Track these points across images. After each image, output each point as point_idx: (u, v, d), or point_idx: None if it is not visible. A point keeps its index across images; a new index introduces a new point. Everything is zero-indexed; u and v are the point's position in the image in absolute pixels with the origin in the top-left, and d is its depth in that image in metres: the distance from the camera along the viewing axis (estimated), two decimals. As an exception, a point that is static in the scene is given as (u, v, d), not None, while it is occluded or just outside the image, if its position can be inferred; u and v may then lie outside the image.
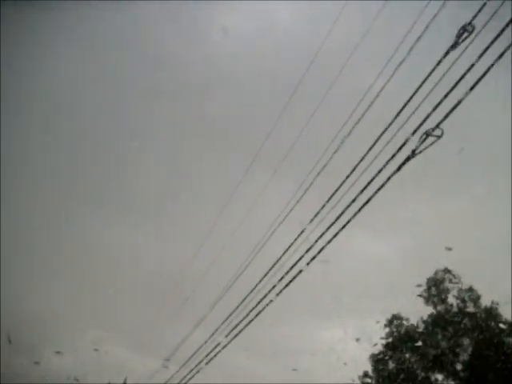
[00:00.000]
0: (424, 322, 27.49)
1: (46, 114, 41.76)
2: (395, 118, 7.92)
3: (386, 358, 27.82)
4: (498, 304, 26.49)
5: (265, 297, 12.80)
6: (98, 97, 43.84)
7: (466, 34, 7.06)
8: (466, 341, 26.63)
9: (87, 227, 47.26)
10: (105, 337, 45.71)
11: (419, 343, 26.94)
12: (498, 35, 6.65)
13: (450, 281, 27.60)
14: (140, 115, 46.65)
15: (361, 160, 8.79)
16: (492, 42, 6.72)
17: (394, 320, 27.96)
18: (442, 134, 7.59)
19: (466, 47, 7.07)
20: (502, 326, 25.69)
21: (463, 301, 27.34)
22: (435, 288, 27.64)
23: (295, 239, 10.54)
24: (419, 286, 27.61)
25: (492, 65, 6.61)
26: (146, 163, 48.40)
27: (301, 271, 10.51)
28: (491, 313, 26.38)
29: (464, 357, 26.52)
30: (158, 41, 42.41)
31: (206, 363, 18.23)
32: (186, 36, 42.30)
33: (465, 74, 6.83)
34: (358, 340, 26.57)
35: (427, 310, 27.56)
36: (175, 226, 47.93)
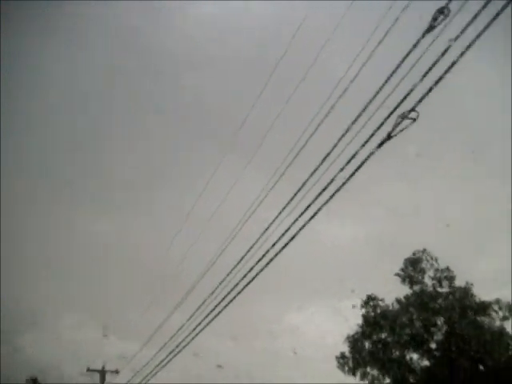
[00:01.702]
0: (399, 302, 27.82)
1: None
2: (370, 101, 7.90)
3: (362, 338, 28.13)
4: (472, 284, 26.93)
5: (241, 280, 12.84)
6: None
7: (441, 17, 7.01)
8: (440, 320, 27.05)
9: (69, 215, 46.99)
10: (83, 321, 45.67)
11: (394, 323, 27.29)
12: (474, 18, 6.62)
13: (427, 261, 27.93)
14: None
15: (337, 143, 8.77)
16: (467, 26, 6.69)
17: (370, 301, 28.25)
18: (418, 116, 7.58)
19: (442, 30, 7.03)
20: (474, 305, 26.16)
21: (439, 281, 27.71)
22: (412, 268, 27.95)
23: (271, 222, 10.54)
24: (397, 274, 27.94)
25: (467, 48, 6.59)
26: (123, 152, 47.94)
27: (276, 255, 10.53)
28: (466, 293, 26.80)
29: (438, 336, 26.96)
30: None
31: (184, 346, 18.29)
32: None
33: (440, 58, 6.81)
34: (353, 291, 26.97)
35: (404, 291, 27.92)
36: (153, 214, 47.72)
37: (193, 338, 16.71)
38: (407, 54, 7.23)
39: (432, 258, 27.82)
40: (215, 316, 14.97)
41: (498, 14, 6.31)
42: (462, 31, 6.73)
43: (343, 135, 8.43)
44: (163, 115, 45.82)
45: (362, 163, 7.97)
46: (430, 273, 27.80)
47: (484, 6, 6.45)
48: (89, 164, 47.32)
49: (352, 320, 28.13)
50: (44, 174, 45.60)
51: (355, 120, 8.23)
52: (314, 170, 9.10)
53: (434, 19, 7.10)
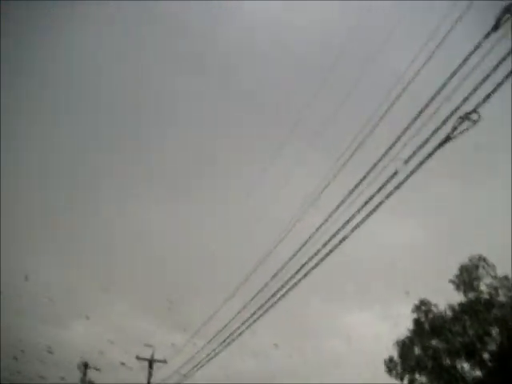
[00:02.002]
0: (453, 309, 27.18)
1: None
2: (430, 100, 7.78)
3: (412, 343, 27.67)
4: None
5: (291, 278, 12.85)
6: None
7: (507, 16, 6.83)
8: (495, 330, 26.28)
9: (102, 200, 47.98)
10: (131, 311, 46.74)
11: (446, 330, 26.71)
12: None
13: (484, 268, 27.15)
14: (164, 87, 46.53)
15: (394, 143, 8.68)
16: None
17: (422, 306, 27.73)
18: (479, 118, 7.40)
19: (507, 30, 6.85)
20: None
21: (495, 289, 26.91)
22: (467, 275, 27.24)
23: (323, 222, 10.52)
24: (452, 281, 27.30)
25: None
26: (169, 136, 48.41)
27: (331, 251, 10.50)
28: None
29: (492, 347, 26.20)
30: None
31: (230, 342, 18.49)
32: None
33: (505, 58, 6.64)
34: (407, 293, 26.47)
35: (458, 297, 27.26)
36: (201, 202, 48.11)
37: (242, 332, 16.87)
38: (470, 54, 7.09)
39: (489, 265, 27.03)
40: (264, 311, 15.08)
41: None
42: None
43: (403, 133, 8.34)
44: (217, 101, 46.03)
45: (421, 163, 7.86)
46: (487, 280, 27.04)
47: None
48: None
49: (403, 324, 27.72)
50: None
51: (416, 118, 8.12)
52: (373, 166, 9.03)
53: (499, 18, 6.93)
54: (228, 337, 18.63)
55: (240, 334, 17.65)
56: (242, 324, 16.90)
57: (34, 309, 32.12)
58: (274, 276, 13.54)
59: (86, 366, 35.54)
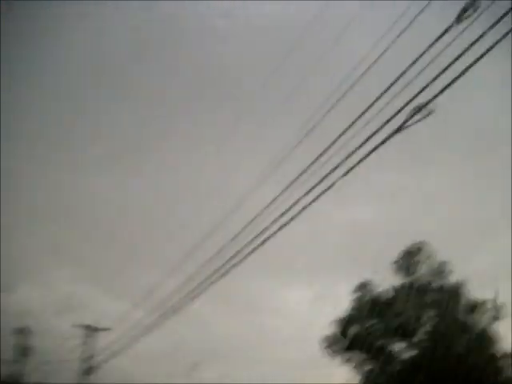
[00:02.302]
0: (393, 290, 27.91)
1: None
2: (387, 89, 7.80)
3: (351, 322, 28.29)
4: (464, 281, 26.99)
5: (237, 254, 12.87)
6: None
7: (469, 12, 6.86)
8: (431, 313, 27.17)
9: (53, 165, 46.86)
10: (75, 277, 46.07)
11: (384, 311, 27.44)
12: (504, 16, 6.48)
13: (424, 254, 27.95)
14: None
15: (347, 128, 8.71)
16: (496, 22, 6.54)
17: (364, 286, 28.35)
18: (434, 110, 7.47)
19: (469, 25, 6.88)
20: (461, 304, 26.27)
21: (433, 274, 27.77)
22: (408, 259, 27.99)
23: (274, 198, 10.55)
24: (395, 263, 27.96)
25: (492, 46, 6.46)
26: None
27: (279, 229, 10.54)
28: (457, 290, 26.89)
29: (427, 328, 27.11)
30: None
31: (174, 310, 18.51)
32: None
33: (463, 53, 6.69)
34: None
35: (399, 280, 28.01)
36: (154, 176, 47.51)
37: (186, 303, 16.88)
38: (430, 45, 7.11)
39: (429, 251, 27.84)
40: (209, 285, 15.09)
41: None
42: (491, 27, 6.57)
43: (356, 120, 8.37)
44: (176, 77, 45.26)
45: (370, 153, 7.92)
46: (426, 265, 27.86)
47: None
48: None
49: (345, 304, 28.29)
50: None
51: (369, 107, 8.16)
52: (324, 151, 9.06)
53: (462, 13, 6.95)
54: (172, 307, 18.66)
55: (183, 306, 17.70)
56: (186, 295, 16.92)
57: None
58: (221, 250, 13.55)
59: (22, 331, 34.78)
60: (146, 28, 41.72)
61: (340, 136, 8.64)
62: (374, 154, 8.21)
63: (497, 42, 6.28)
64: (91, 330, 32.11)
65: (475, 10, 6.90)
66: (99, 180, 46.80)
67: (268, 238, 11.38)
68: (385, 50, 8.34)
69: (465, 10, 6.66)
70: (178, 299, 17.32)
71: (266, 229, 11.32)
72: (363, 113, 8.21)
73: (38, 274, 43.53)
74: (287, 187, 10.11)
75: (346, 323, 28.17)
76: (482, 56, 6.45)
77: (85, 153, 45.79)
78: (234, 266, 13.26)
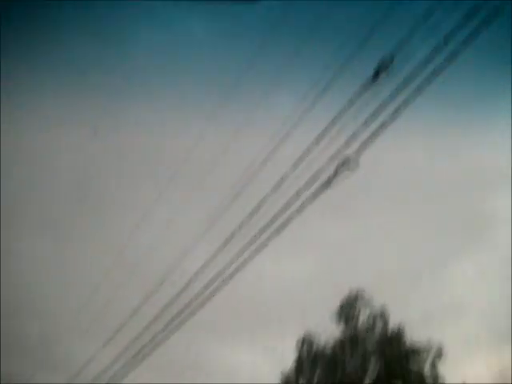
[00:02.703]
0: (334, 341, 27.86)
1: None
2: (311, 146, 7.88)
3: (297, 375, 27.96)
4: (403, 327, 27.31)
5: (178, 314, 12.59)
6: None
7: (386, 66, 7.05)
8: (373, 361, 27.22)
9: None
10: None
11: (329, 361, 27.30)
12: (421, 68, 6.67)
13: (362, 301, 28.17)
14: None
15: (277, 185, 8.69)
16: (413, 77, 6.72)
17: (306, 339, 28.17)
18: (358, 165, 7.58)
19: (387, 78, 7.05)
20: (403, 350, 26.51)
21: (373, 321, 27.96)
22: (347, 309, 28.11)
23: (203, 265, 10.37)
24: (334, 315, 28.01)
25: (412, 98, 6.63)
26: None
27: (211, 297, 10.30)
28: (398, 336, 27.13)
29: (372, 376, 27.09)
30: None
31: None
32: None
33: (382, 107, 6.83)
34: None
35: (339, 331, 27.98)
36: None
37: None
38: (351, 104, 7.25)
39: (366, 298, 28.10)
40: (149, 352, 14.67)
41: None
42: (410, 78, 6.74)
43: (284, 178, 8.38)
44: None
45: (301, 208, 7.90)
46: (365, 313, 28.05)
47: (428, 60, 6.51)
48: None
49: (290, 360, 27.91)
50: None
51: (297, 163, 8.18)
52: (253, 212, 9.01)
53: (378, 68, 7.12)
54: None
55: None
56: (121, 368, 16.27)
57: None
58: (156, 319, 13.15)
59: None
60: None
61: (268, 196, 8.62)
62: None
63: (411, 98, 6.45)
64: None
65: (391, 63, 7.09)
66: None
67: (206, 301, 11.16)
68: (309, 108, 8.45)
69: (377, 72, 6.83)
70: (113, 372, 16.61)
71: (202, 289, 11.11)
72: (291, 171, 8.23)
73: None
74: (219, 250, 9.96)
75: (292, 377, 27.79)
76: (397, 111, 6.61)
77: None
78: (173, 331, 12.95)
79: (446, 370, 26.09)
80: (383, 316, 27.79)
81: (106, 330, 19.89)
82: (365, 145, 7.26)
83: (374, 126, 7.11)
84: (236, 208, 10.95)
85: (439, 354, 26.52)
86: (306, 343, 28.01)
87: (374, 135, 7.09)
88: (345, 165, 7.52)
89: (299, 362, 27.95)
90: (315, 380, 27.55)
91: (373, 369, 27.13)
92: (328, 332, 27.80)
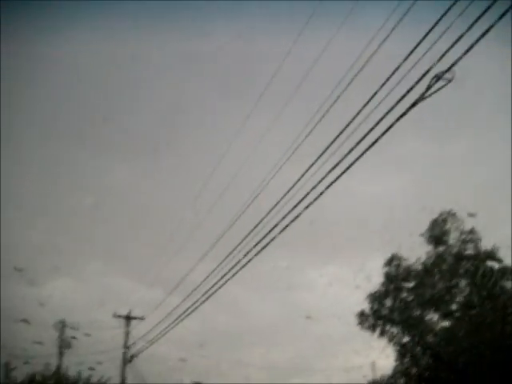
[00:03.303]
0: (423, 262, 27.87)
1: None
2: (405, 59, 7.82)
3: (384, 296, 28.36)
4: (498, 248, 26.79)
5: (266, 235, 13.01)
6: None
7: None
8: (463, 282, 27.10)
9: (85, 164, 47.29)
10: (107, 269, 46.86)
11: (416, 283, 27.43)
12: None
13: (452, 223, 27.80)
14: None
15: (368, 101, 8.74)
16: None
17: (394, 260, 28.35)
18: (453, 77, 7.48)
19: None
20: (496, 267, 26.03)
21: (463, 243, 27.64)
22: (437, 229, 27.87)
23: (299, 178, 10.63)
24: (422, 235, 27.84)
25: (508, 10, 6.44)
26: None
27: (305, 208, 10.66)
28: (490, 256, 26.71)
29: (460, 298, 27.06)
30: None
31: (208, 297, 18.76)
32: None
33: (478, 18, 6.68)
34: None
35: (429, 252, 27.92)
36: (176, 164, 47.71)
37: (219, 288, 17.10)
38: (446, 12, 7.11)
39: (457, 220, 27.69)
40: (241, 268, 15.26)
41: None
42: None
43: (376, 92, 8.41)
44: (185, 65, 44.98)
45: (395, 121, 7.97)
46: (455, 234, 27.73)
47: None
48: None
49: (376, 278, 28.31)
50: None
51: (389, 77, 8.18)
52: (346, 126, 9.12)
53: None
54: (204, 293, 18.90)
55: (215, 291, 17.91)
56: (217, 281, 17.12)
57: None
58: (249, 233, 13.70)
59: (63, 324, 35.62)
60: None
61: (361, 110, 8.70)
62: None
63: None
64: (128, 320, 32.87)
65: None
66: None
67: (298, 216, 11.46)
68: (397, 22, 8.32)
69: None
70: (211, 285, 17.53)
71: (294, 208, 11.42)
72: (383, 85, 8.25)
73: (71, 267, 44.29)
74: (313, 164, 10.20)
75: (379, 297, 28.26)
76: (496, 22, 6.45)
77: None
78: (265, 247, 13.36)
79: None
80: (474, 237, 27.43)
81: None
82: (459, 59, 7.14)
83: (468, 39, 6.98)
84: (327, 128, 11.09)
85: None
86: (394, 263, 28.29)
87: (469, 50, 6.97)
88: (439, 79, 7.46)
89: (387, 282, 28.33)
90: (403, 300, 27.90)
91: (462, 290, 27.08)
92: (417, 252, 27.91)
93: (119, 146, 47.26)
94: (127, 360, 32.72)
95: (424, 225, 27.87)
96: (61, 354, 35.48)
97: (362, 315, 28.31)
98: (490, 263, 25.98)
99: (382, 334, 27.98)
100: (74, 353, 35.35)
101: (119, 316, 33.20)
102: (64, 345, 35.19)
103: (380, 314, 28.01)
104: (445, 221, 27.72)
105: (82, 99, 44.94)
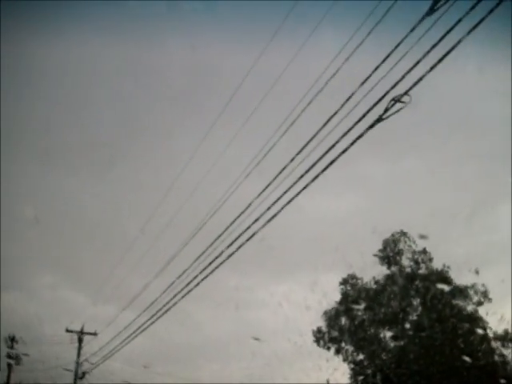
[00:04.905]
0: (377, 282, 28.16)
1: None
2: (363, 82, 7.85)
3: (339, 314, 28.50)
4: (448, 267, 27.30)
5: (222, 252, 12.85)
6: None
7: (442, 1, 6.91)
8: (416, 301, 27.49)
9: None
10: (61, 283, 45.64)
11: (372, 302, 27.67)
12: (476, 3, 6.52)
13: (405, 242, 28.22)
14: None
15: (326, 122, 8.73)
16: (470, 10, 6.57)
17: (349, 279, 28.58)
18: (410, 100, 7.56)
19: (443, 14, 6.92)
20: (447, 288, 26.46)
21: (416, 262, 28.07)
22: (390, 249, 28.24)
23: (256, 197, 10.55)
24: (376, 255, 28.17)
25: (468, 33, 6.50)
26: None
27: (262, 227, 10.58)
28: (441, 276, 27.17)
29: (413, 317, 27.42)
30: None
31: (163, 313, 18.41)
32: None
33: (438, 43, 6.74)
34: None
35: (382, 271, 28.27)
36: (133, 180, 47.09)
37: (173, 305, 16.80)
38: (404, 37, 7.16)
39: (410, 240, 28.15)
40: (196, 285, 15.03)
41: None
42: (464, 16, 6.61)
43: (334, 114, 8.40)
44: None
45: (352, 143, 7.96)
46: (408, 254, 28.15)
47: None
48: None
49: (330, 297, 28.46)
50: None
51: (347, 99, 8.19)
52: (303, 147, 9.09)
53: (435, 2, 7.00)
54: (159, 310, 18.57)
55: (170, 308, 17.62)
56: (172, 298, 16.84)
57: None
58: (205, 251, 13.51)
59: (12, 339, 34.55)
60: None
61: (318, 131, 8.67)
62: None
63: (470, 31, 6.35)
64: (80, 335, 32.10)
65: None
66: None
67: (255, 233, 11.37)
68: (358, 46, 8.34)
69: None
70: (166, 301, 17.24)
71: (247, 228, 11.34)
72: (342, 106, 8.24)
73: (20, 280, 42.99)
74: (270, 183, 10.13)
75: (334, 315, 28.38)
76: (456, 44, 6.51)
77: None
78: (220, 264, 13.24)
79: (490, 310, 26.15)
80: (426, 257, 27.91)
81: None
82: (417, 82, 7.21)
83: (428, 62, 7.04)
84: (284, 147, 11.03)
85: (485, 295, 26.59)
86: (350, 281, 28.50)
87: (427, 72, 7.04)
88: (397, 102, 7.51)
89: (343, 301, 28.49)
90: (358, 318, 28.07)
91: (415, 309, 27.44)
92: (371, 272, 28.19)
93: (69, 158, 46.24)
94: (79, 376, 31.94)
95: (377, 244, 28.27)
96: (9, 370, 34.42)
97: (318, 332, 28.37)
98: (440, 285, 26.40)
99: (338, 351, 28.09)
100: (24, 369, 34.37)
101: (71, 331, 32.38)
102: (14, 360, 34.19)
103: (335, 332, 28.12)
104: (397, 241, 28.16)
105: (23, 107, 43.54)
